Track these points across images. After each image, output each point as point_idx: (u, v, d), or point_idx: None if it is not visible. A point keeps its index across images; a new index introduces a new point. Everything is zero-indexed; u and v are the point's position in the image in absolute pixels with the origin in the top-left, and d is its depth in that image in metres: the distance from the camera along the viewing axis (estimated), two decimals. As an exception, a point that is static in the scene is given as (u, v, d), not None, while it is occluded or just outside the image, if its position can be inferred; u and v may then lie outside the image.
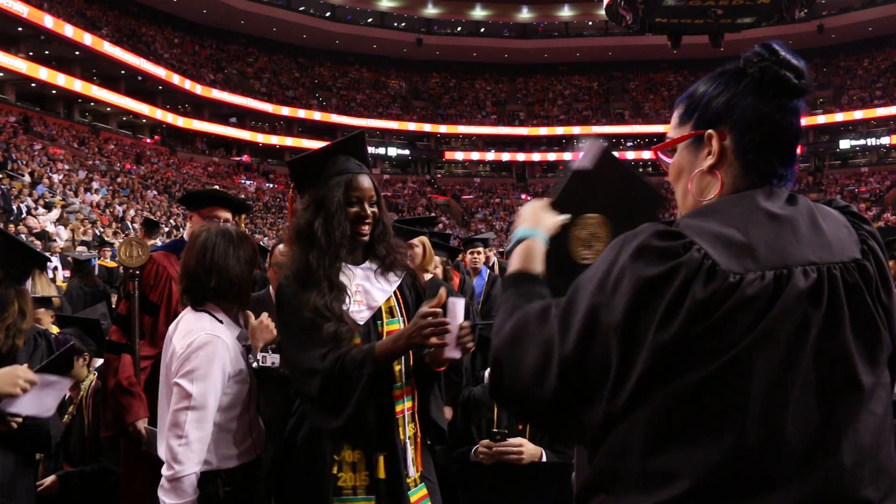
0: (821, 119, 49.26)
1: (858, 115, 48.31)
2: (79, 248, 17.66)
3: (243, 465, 3.06)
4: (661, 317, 1.42)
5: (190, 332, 3.04)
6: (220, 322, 3.12)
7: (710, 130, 1.61)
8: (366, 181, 2.97)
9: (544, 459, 3.89)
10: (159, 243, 9.39)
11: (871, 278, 1.52)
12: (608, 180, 2.15)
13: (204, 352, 2.97)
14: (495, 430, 3.96)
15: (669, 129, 1.75)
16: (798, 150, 1.64)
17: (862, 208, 42.92)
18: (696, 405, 1.41)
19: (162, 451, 3.01)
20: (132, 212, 27.12)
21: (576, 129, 55.37)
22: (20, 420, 3.22)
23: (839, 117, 48.93)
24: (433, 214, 37.27)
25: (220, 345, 3.00)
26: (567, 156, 55.62)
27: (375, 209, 2.98)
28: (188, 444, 2.88)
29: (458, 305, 2.79)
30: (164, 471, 2.88)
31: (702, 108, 1.64)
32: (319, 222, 2.89)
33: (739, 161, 1.59)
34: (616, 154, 2.15)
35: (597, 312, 1.49)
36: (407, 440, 2.93)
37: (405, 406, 2.95)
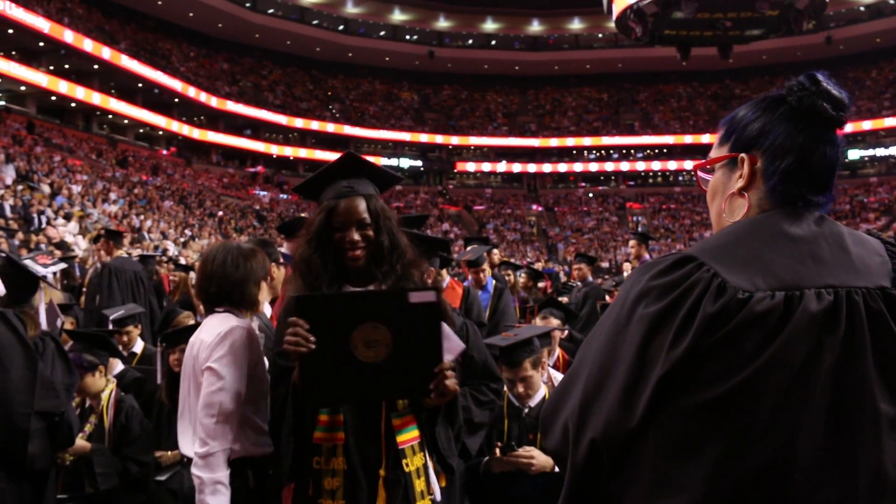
0: (830, 129, 49.28)
1: (867, 125, 48.30)
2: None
3: (266, 455, 3.14)
4: (674, 335, 1.46)
5: (218, 325, 3.17)
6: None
7: (743, 154, 1.65)
8: (353, 204, 2.82)
9: (556, 470, 3.81)
10: (124, 254, 9.66)
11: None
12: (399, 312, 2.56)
13: (235, 338, 3.09)
14: (502, 443, 3.91)
15: (712, 150, 1.79)
16: (834, 179, 1.64)
17: (871, 218, 43.01)
18: (705, 422, 1.44)
19: (186, 444, 3.16)
20: (149, 222, 27.60)
21: (586, 140, 55.59)
22: None
23: (848, 128, 47.66)
24: (445, 237, 37.12)
25: (249, 335, 3.14)
26: (577, 166, 55.86)
27: (369, 231, 2.82)
28: (222, 422, 2.98)
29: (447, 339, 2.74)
30: (198, 448, 2.99)
31: (739, 132, 1.68)
32: (302, 251, 2.85)
33: (766, 185, 1.62)
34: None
35: (615, 345, 1.56)
36: (413, 472, 2.81)
37: (409, 436, 2.84)
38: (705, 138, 49.45)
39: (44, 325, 4.07)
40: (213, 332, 3.15)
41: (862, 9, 47.90)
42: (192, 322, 5.78)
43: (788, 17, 33.87)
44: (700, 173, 1.80)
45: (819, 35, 46.38)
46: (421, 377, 2.60)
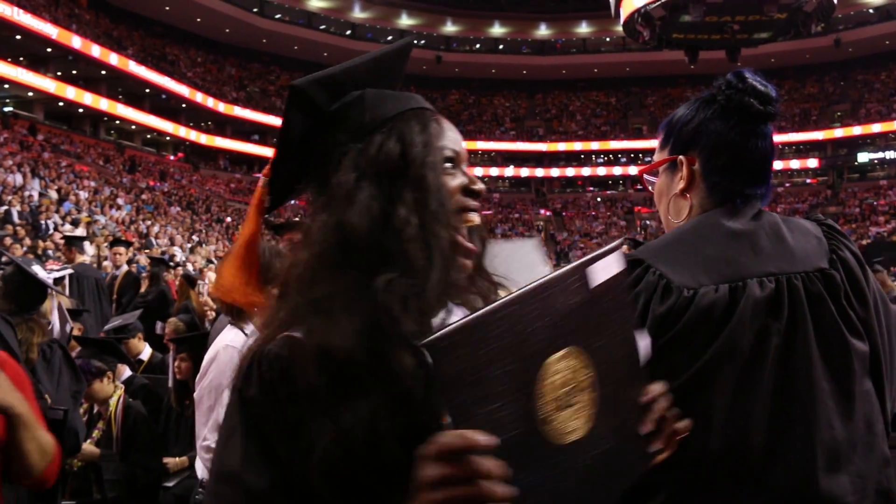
0: (838, 132, 49.11)
1: (876, 128, 48.04)
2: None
3: None
4: None
5: (214, 345, 3.05)
6: (246, 335, 3.08)
7: (681, 156, 1.71)
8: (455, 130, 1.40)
9: None
10: (86, 259, 9.67)
11: (837, 287, 1.56)
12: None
13: (220, 363, 2.95)
14: None
15: (655, 153, 1.84)
16: (770, 170, 1.70)
17: (880, 221, 42.81)
18: None
19: (200, 468, 3.03)
20: (156, 228, 27.61)
21: (594, 145, 55.55)
22: None
23: (857, 130, 48.71)
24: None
25: (235, 355, 2.84)
26: (585, 171, 55.75)
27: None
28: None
29: None
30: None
31: (676, 134, 1.74)
32: (405, 211, 1.22)
33: (705, 184, 1.68)
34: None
35: None
36: None
37: None
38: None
39: (57, 330, 4.14)
40: (210, 351, 3.02)
41: (871, 11, 47.69)
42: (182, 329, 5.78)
43: (797, 20, 33.59)
44: (646, 177, 1.87)
45: (828, 38, 46.19)
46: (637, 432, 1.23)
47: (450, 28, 55.02)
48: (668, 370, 1.42)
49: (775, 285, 1.52)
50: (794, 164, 50.17)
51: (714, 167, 1.68)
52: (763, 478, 1.45)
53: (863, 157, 49.67)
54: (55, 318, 4.15)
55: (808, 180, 50.75)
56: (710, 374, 1.46)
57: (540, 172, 56.11)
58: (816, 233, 1.66)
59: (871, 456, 1.51)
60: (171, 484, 4.85)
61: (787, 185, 50.07)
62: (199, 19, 46.01)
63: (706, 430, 1.44)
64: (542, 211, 54.61)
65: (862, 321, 1.57)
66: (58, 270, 8.33)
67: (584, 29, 55.03)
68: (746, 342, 1.48)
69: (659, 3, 33.94)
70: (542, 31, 55.60)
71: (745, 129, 1.66)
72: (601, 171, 56.10)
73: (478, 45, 56.45)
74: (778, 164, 48.50)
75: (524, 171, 56.13)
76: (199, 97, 43.92)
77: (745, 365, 1.47)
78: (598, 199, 55.56)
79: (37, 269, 6.33)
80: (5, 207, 20.66)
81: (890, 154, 49.00)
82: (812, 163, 50.07)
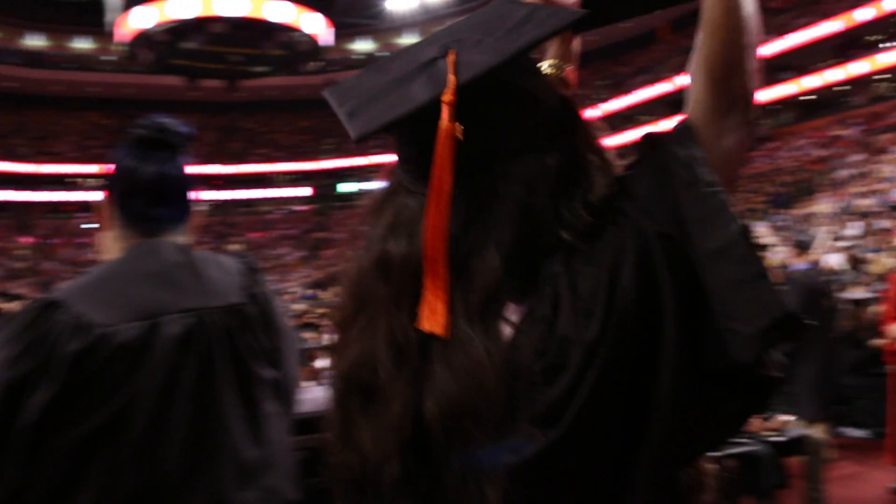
0: (327, 164, 52.24)
1: (358, 161, 52.23)
2: None
3: None
4: (38, 381, 1.44)
5: None
6: None
7: (104, 195, 1.79)
8: None
9: None
10: None
11: (249, 320, 1.69)
12: None
13: None
14: None
15: None
16: (180, 196, 1.79)
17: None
18: (85, 454, 1.46)
19: None
20: None
21: (88, 168, 52.80)
22: None
23: (342, 163, 51.94)
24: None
25: None
26: (77, 196, 52.74)
27: None
28: None
29: None
30: None
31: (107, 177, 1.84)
32: None
33: (117, 211, 1.75)
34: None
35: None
36: None
37: None
38: (211, 168, 49.82)
39: None
40: None
41: (353, 57, 52.78)
42: None
43: (293, 59, 36.52)
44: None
45: (321, 77, 49.69)
46: None
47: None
48: (86, 409, 1.46)
49: (193, 321, 1.59)
50: (289, 192, 52.66)
51: (119, 194, 1.75)
52: (181, 501, 1.53)
53: (344, 187, 53.48)
54: None
55: (300, 207, 53.34)
56: (126, 415, 1.48)
57: (23, 196, 51.15)
58: (237, 269, 1.78)
59: (279, 471, 1.68)
60: None
61: (284, 212, 52.30)
62: None
63: (123, 468, 1.48)
64: (22, 238, 49.61)
65: (271, 351, 1.72)
66: None
67: (84, 44, 52.44)
68: (159, 380, 1.52)
69: (162, 27, 34.30)
70: (34, 41, 51.84)
71: (138, 154, 1.74)
72: (95, 195, 52.96)
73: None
74: (274, 192, 51.16)
75: (5, 195, 50.12)
76: None
77: (158, 403, 1.51)
78: (89, 226, 52.46)
79: None
80: None
81: (368, 185, 53.82)
82: (306, 191, 53.10)
